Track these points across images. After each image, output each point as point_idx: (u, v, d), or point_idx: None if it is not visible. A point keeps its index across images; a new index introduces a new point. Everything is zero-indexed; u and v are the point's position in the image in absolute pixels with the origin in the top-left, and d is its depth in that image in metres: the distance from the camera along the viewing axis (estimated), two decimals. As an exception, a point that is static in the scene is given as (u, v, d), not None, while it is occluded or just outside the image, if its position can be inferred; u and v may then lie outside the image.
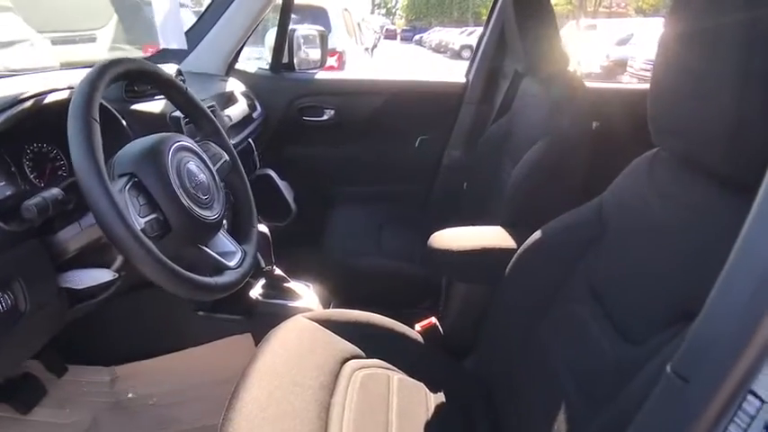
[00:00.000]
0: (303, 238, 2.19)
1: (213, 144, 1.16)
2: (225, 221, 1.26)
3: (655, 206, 0.94)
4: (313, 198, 2.35)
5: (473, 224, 1.96)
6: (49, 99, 1.03)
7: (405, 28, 42.76)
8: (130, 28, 6.24)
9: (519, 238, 1.42)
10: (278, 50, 2.26)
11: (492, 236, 1.45)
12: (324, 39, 2.42)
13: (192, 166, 1.00)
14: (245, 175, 1.22)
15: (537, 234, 1.21)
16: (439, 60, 20.30)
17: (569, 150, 1.51)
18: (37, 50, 5.76)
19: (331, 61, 5.38)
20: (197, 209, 0.95)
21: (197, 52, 2.10)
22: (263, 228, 1.47)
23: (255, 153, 2.04)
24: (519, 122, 1.82)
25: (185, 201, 0.93)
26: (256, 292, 1.57)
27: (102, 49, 5.52)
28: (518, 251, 1.22)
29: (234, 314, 1.54)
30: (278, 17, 2.21)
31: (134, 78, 1.05)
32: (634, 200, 1.01)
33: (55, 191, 0.88)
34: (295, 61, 2.28)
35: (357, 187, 2.36)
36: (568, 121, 1.53)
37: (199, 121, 1.18)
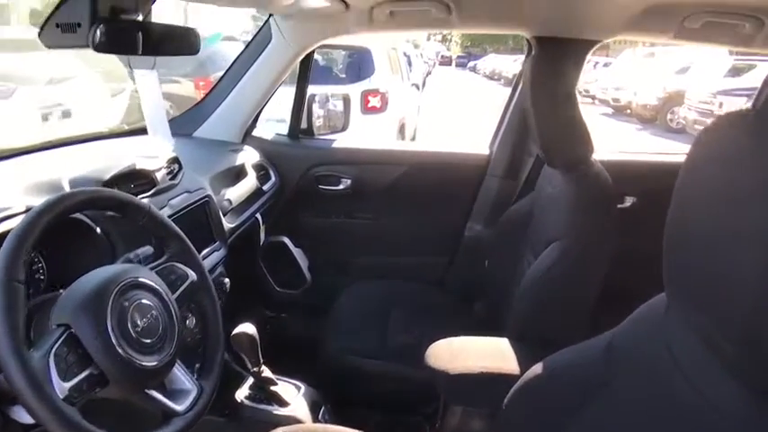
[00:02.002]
0: (314, 309, 2.11)
1: (179, 265, 1.09)
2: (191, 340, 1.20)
3: (667, 376, 0.80)
4: (327, 268, 2.27)
5: (491, 313, 1.84)
6: (4, 227, 0.99)
7: (460, 54, 42.71)
8: (181, 60, 6.41)
9: (524, 357, 1.30)
10: (296, 115, 2.21)
11: (494, 354, 1.33)
12: (347, 103, 2.35)
13: (144, 303, 0.94)
14: (215, 296, 1.14)
15: (538, 368, 1.09)
16: (492, 88, 20.18)
17: (586, 259, 1.38)
18: (87, 86, 6.00)
19: (374, 102, 5.37)
20: (139, 357, 0.88)
21: (213, 119, 2.08)
22: (249, 328, 1.39)
23: (262, 229, 1.98)
24: (541, 208, 1.69)
25: (124, 351, 0.86)
26: (242, 393, 1.49)
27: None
28: (517, 385, 1.10)
29: (217, 415, 1.46)
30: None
31: (79, 210, 0.99)
32: (647, 355, 0.87)
33: None
34: (314, 126, 2.22)
35: (373, 258, 2.26)
36: (588, 225, 1.39)
37: (164, 241, 1.11)
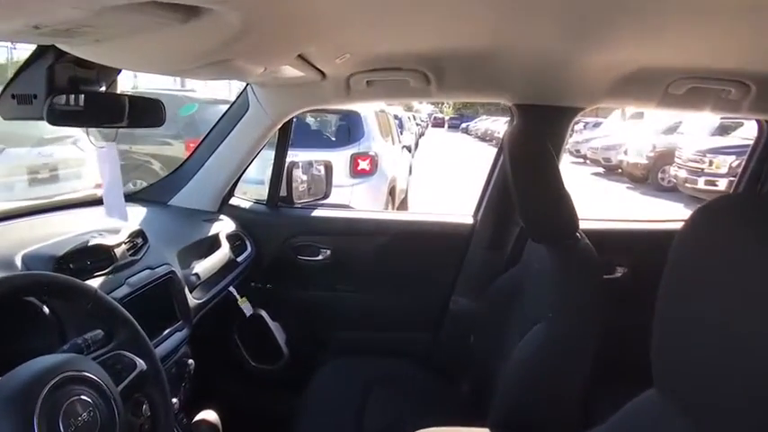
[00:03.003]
0: (291, 385, 2.00)
1: (127, 353, 1.00)
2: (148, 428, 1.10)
3: None
4: (306, 342, 2.16)
5: (477, 394, 1.74)
6: None
7: (452, 116, 43.29)
8: (171, 123, 6.42)
9: None
10: (275, 183, 2.15)
11: None
12: (329, 170, 2.30)
13: (82, 400, 0.85)
14: (166, 388, 1.04)
15: None
16: (484, 149, 20.42)
17: (572, 342, 1.30)
18: (80, 147, 6.00)
19: (363, 165, 5.38)
20: None
21: (189, 187, 2.03)
22: (211, 415, 1.29)
23: (239, 301, 1.89)
24: (528, 283, 1.61)
25: None
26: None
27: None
28: None
29: None
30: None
31: (14, 297, 0.91)
32: None
33: None
34: (295, 194, 2.16)
35: (354, 333, 2.16)
36: (574, 306, 1.32)
37: (112, 328, 1.02)
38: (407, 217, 2.21)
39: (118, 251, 1.31)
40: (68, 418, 0.82)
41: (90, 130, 1.27)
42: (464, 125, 35.49)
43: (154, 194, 2.04)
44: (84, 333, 1.05)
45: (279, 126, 1.98)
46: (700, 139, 10.10)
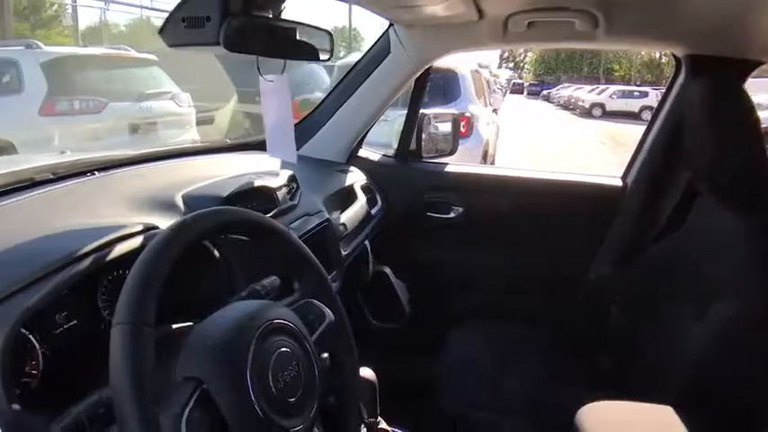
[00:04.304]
0: (415, 348, 1.92)
1: (316, 302, 0.90)
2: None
3: None
4: (430, 304, 2.06)
5: (619, 367, 1.60)
6: (123, 248, 0.84)
7: (532, 82, 41.50)
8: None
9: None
10: (406, 137, 2.04)
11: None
12: (456, 124, 2.17)
13: (286, 352, 0.75)
14: (352, 340, 0.95)
15: None
16: (567, 118, 19.70)
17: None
18: (179, 103, 6.15)
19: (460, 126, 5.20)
20: (280, 420, 0.70)
21: (319, 137, 1.94)
22: (368, 372, 1.20)
23: (370, 256, 1.81)
24: (695, 253, 1.44)
25: (265, 414, 0.68)
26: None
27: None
28: None
29: None
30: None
31: (214, 235, 0.83)
32: None
33: (94, 399, 0.66)
34: (423, 149, 2.04)
35: (485, 295, 2.04)
36: None
37: (300, 274, 0.93)
38: (548, 176, 2.05)
39: (279, 194, 1.24)
40: (276, 373, 0.72)
41: (260, 59, 1.18)
42: (545, 92, 34.13)
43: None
44: (256, 280, 0.98)
45: (421, 71, 1.85)
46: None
